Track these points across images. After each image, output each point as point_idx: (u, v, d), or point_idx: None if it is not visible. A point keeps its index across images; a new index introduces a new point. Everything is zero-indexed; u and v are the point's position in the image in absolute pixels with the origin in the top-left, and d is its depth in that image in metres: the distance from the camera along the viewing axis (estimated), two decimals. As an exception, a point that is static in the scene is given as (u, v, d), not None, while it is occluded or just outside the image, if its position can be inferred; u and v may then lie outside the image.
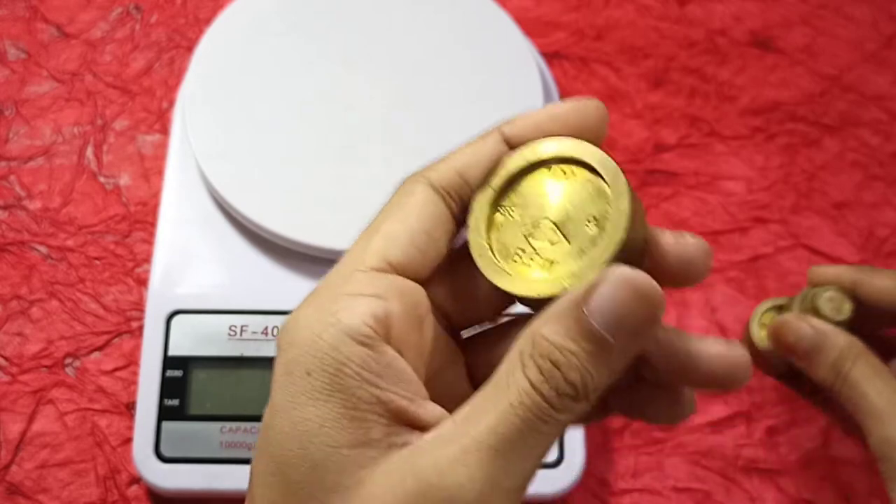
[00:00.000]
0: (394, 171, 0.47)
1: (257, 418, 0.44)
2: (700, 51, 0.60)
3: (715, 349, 0.26)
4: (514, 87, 0.50)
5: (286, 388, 0.24)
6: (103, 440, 0.47)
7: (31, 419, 0.47)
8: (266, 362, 0.45)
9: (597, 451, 0.47)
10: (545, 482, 0.44)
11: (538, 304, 0.24)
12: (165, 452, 0.43)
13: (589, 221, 0.24)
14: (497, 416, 0.23)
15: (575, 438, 0.45)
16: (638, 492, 0.47)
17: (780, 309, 0.49)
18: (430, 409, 0.24)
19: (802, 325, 0.43)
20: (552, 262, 0.24)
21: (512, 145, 0.26)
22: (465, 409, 0.24)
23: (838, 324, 0.43)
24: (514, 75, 0.51)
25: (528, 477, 0.23)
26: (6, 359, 0.48)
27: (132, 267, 0.51)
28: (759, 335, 0.49)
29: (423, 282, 0.26)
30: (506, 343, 0.27)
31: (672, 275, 0.26)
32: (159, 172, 0.53)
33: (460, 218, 0.27)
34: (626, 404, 0.28)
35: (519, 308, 0.26)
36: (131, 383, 0.48)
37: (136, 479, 0.46)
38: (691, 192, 0.55)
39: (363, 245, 0.25)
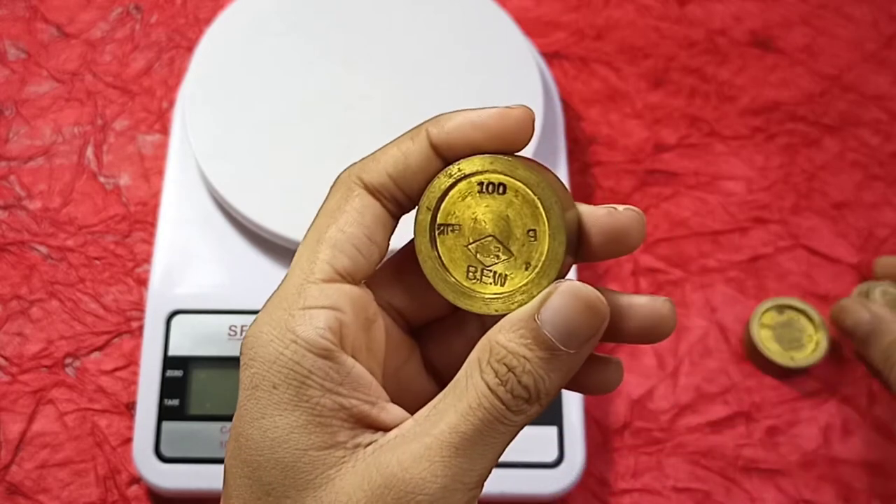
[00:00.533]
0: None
1: (257, 418, 0.44)
2: (700, 51, 0.60)
3: (640, 301, 0.27)
4: (514, 87, 0.50)
5: (254, 400, 0.25)
6: (103, 440, 0.47)
7: (31, 419, 0.47)
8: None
9: (597, 451, 0.47)
10: (545, 482, 0.44)
11: (496, 318, 0.25)
12: (165, 452, 0.43)
13: (528, 233, 0.25)
14: (457, 416, 0.25)
15: (575, 438, 0.45)
16: (638, 492, 0.47)
17: (780, 309, 0.49)
18: (392, 411, 0.26)
19: (860, 309, 0.45)
20: (504, 277, 0.26)
21: (436, 146, 0.27)
22: (426, 410, 0.25)
23: None
24: (514, 75, 0.51)
25: (484, 474, 0.25)
26: (6, 359, 0.48)
27: (132, 267, 0.51)
28: (759, 335, 0.49)
29: (370, 282, 0.28)
30: (460, 333, 0.30)
31: (610, 246, 0.27)
32: (159, 172, 0.53)
33: (396, 214, 0.28)
34: None
35: None
36: (131, 383, 0.48)
37: (136, 479, 0.46)
38: (691, 192, 0.55)
39: (310, 255, 0.26)
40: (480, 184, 0.25)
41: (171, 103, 0.55)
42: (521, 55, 0.52)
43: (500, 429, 0.25)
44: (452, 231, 0.26)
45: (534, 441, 0.44)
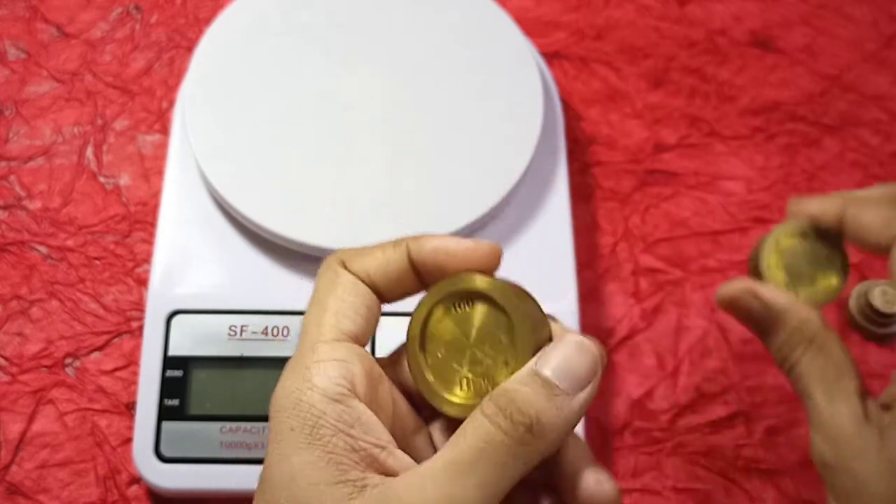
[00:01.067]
0: (394, 171, 0.48)
1: (257, 418, 0.44)
2: (700, 51, 0.60)
3: (588, 482, 0.29)
4: (514, 87, 0.50)
5: (275, 444, 0.27)
6: (103, 440, 0.47)
7: (31, 419, 0.47)
8: (266, 362, 0.45)
9: (597, 451, 0.47)
10: (545, 482, 0.44)
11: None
12: (165, 452, 0.43)
13: (503, 337, 0.29)
14: (452, 448, 0.26)
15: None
16: (638, 492, 0.47)
17: (806, 235, 0.36)
18: (400, 458, 0.28)
19: (749, 298, 0.34)
20: (489, 382, 0.29)
21: (413, 261, 0.30)
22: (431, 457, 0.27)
23: (890, 316, 0.38)
24: (514, 75, 0.51)
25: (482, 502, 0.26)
26: (6, 359, 0.48)
27: (132, 267, 0.51)
28: (769, 260, 0.36)
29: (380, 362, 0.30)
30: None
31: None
32: (159, 172, 0.53)
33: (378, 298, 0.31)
34: None
35: None
36: (131, 383, 0.48)
37: (136, 479, 0.46)
38: (691, 192, 0.55)
39: (317, 322, 0.29)
40: (455, 304, 0.29)
41: (171, 103, 0.55)
42: (521, 55, 0.52)
43: (500, 457, 0.26)
44: (436, 351, 0.29)
45: (534, 441, 0.44)
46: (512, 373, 0.28)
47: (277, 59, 0.50)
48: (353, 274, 0.30)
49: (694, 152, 0.56)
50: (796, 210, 0.35)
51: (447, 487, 0.26)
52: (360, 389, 0.28)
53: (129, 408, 0.47)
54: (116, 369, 0.48)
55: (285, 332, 0.45)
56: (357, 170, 0.48)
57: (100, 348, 0.49)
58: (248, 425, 0.44)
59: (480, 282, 0.29)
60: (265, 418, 0.44)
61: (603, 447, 0.48)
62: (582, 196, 0.54)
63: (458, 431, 0.27)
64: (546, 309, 0.31)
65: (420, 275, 0.31)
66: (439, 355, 0.29)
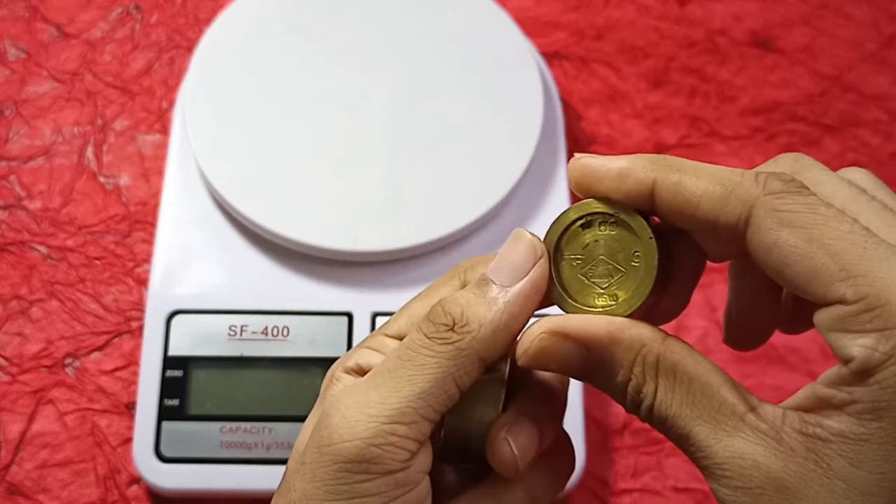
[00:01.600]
0: (394, 171, 0.48)
1: (257, 418, 0.44)
2: (700, 51, 0.60)
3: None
4: (514, 87, 0.50)
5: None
6: (103, 440, 0.47)
7: (31, 419, 0.47)
8: (266, 362, 0.45)
9: (597, 451, 0.47)
10: (545, 482, 0.44)
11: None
12: (165, 452, 0.43)
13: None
14: (381, 361, 0.27)
15: (575, 438, 0.44)
16: (638, 492, 0.47)
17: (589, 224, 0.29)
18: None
19: (562, 349, 0.26)
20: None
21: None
22: None
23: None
24: (514, 75, 0.51)
25: (401, 408, 0.25)
26: (6, 359, 0.48)
27: (132, 267, 0.51)
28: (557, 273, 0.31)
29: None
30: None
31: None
32: (159, 172, 0.53)
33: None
34: None
35: None
36: (131, 383, 0.48)
37: (136, 479, 0.46)
38: (691, 192, 0.55)
39: (393, 319, 0.31)
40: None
41: (171, 103, 0.55)
42: (521, 55, 0.52)
43: (419, 359, 0.26)
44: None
45: (534, 441, 0.44)
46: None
47: (277, 59, 0.50)
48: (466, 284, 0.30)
49: (694, 152, 0.56)
50: (584, 179, 0.27)
51: (362, 394, 0.26)
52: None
53: (129, 408, 0.47)
54: (116, 369, 0.48)
55: (285, 332, 0.45)
56: (357, 170, 0.48)
57: (100, 348, 0.49)
58: (248, 425, 0.44)
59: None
60: (265, 418, 0.44)
61: (603, 447, 0.48)
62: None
63: None
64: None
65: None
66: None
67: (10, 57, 0.57)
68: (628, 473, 0.47)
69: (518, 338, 0.27)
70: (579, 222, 0.28)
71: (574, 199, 0.51)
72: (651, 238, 0.27)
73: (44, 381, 0.48)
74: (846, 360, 0.22)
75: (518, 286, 0.26)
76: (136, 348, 0.48)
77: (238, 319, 0.46)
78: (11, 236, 0.52)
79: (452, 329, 0.26)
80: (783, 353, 0.50)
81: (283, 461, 0.43)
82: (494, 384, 0.28)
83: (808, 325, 0.27)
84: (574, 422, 0.45)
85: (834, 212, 0.23)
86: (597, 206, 0.27)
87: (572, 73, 0.59)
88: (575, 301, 0.28)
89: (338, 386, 0.28)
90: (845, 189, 0.25)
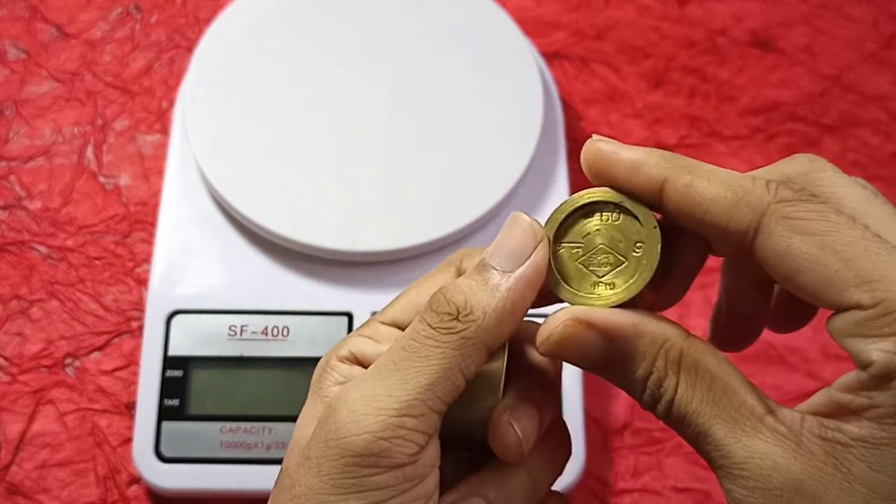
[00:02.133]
0: (394, 171, 0.48)
1: (257, 418, 0.44)
2: (700, 51, 0.60)
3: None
4: (514, 87, 0.50)
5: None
6: (103, 440, 0.47)
7: (31, 419, 0.47)
8: (266, 362, 0.45)
9: (597, 451, 0.47)
10: (545, 482, 0.44)
11: None
12: (165, 452, 0.43)
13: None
14: (385, 352, 0.26)
15: (575, 438, 0.44)
16: (638, 492, 0.47)
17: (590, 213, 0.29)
18: None
19: (584, 337, 0.26)
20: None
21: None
22: None
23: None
24: (514, 75, 0.51)
25: (410, 400, 0.25)
26: (6, 359, 0.48)
27: (132, 267, 0.51)
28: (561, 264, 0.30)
29: None
30: None
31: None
32: (159, 172, 0.53)
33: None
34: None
35: None
36: (131, 383, 0.48)
37: (136, 479, 0.46)
38: (691, 192, 0.55)
39: (388, 306, 0.30)
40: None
41: (171, 103, 0.55)
42: (521, 55, 0.52)
43: (424, 350, 0.25)
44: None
45: (534, 441, 0.44)
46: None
47: (277, 59, 0.50)
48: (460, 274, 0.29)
49: (694, 152, 0.56)
50: (597, 165, 0.28)
51: (369, 387, 0.25)
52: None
53: (129, 408, 0.47)
54: (116, 369, 0.48)
55: (285, 332, 0.45)
56: (357, 170, 0.48)
57: (100, 348, 0.49)
58: (248, 425, 0.44)
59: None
60: (265, 418, 0.44)
61: (603, 447, 0.48)
62: (582, 196, 0.54)
63: None
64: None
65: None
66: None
67: (10, 57, 0.57)
68: (628, 473, 0.47)
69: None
70: (581, 210, 0.28)
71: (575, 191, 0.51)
72: (656, 227, 0.27)
73: (44, 381, 0.48)
74: (865, 365, 0.22)
75: (520, 271, 0.26)
76: (136, 348, 0.48)
77: (238, 319, 0.46)
78: (11, 236, 0.52)
79: (457, 318, 0.26)
80: (783, 353, 0.50)
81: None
82: (494, 370, 0.28)
83: (799, 324, 0.28)
84: (574, 422, 0.45)
85: (845, 219, 0.23)
86: (601, 195, 0.28)
87: (572, 73, 0.59)
88: (571, 288, 0.28)
89: (332, 375, 0.28)
90: (859, 191, 0.25)
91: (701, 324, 0.51)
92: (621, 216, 0.27)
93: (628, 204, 0.27)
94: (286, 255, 0.47)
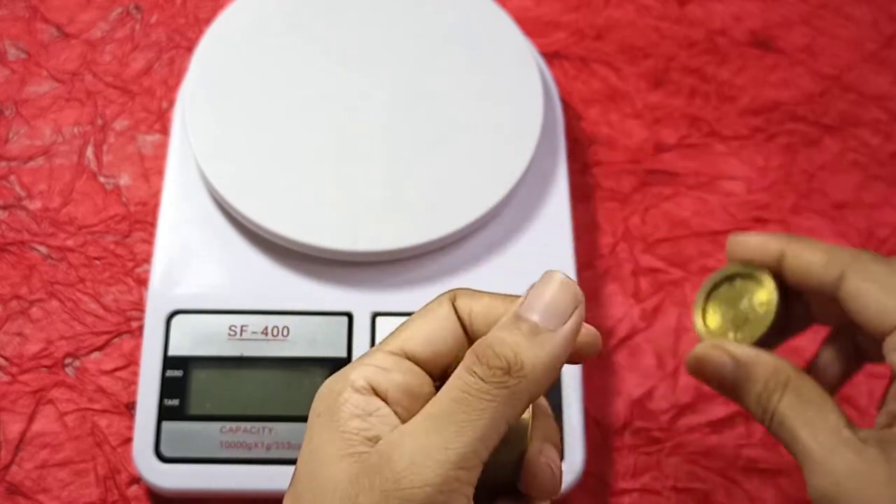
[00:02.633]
0: (394, 171, 0.48)
1: (257, 418, 0.44)
2: (700, 51, 0.60)
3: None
4: (514, 87, 0.50)
5: (307, 430, 0.29)
6: (103, 440, 0.47)
7: (31, 419, 0.47)
8: (266, 362, 0.45)
9: (597, 451, 0.47)
10: (545, 482, 0.44)
11: None
12: (165, 452, 0.43)
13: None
14: (433, 403, 0.27)
15: (575, 438, 0.45)
16: (638, 492, 0.47)
17: (730, 280, 0.39)
18: None
19: (720, 355, 0.36)
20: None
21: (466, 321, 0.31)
22: None
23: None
24: (514, 75, 0.51)
25: (466, 453, 0.26)
26: (6, 359, 0.48)
27: (132, 267, 0.51)
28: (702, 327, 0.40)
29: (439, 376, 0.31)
30: None
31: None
32: (159, 172, 0.53)
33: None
34: None
35: None
36: (131, 383, 0.48)
37: (136, 479, 0.46)
38: (691, 192, 0.55)
39: (391, 337, 0.31)
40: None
41: (171, 103, 0.55)
42: (521, 55, 0.52)
43: (477, 404, 0.26)
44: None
45: (534, 441, 0.44)
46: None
47: (277, 59, 0.50)
48: (456, 310, 0.31)
49: (694, 152, 0.56)
50: (735, 248, 0.38)
51: (424, 438, 0.26)
52: (392, 395, 0.29)
53: (129, 408, 0.47)
54: (116, 369, 0.48)
55: (285, 332, 0.45)
56: (357, 170, 0.48)
57: (100, 348, 0.49)
58: (248, 425, 0.44)
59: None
60: (265, 418, 0.44)
61: (603, 447, 0.48)
62: (582, 196, 0.54)
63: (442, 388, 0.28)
64: None
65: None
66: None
67: (10, 57, 0.57)
68: (628, 473, 0.47)
69: None
70: (726, 279, 0.38)
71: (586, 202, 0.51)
72: (775, 291, 0.37)
73: (44, 381, 0.48)
74: None
75: (565, 328, 0.28)
76: (136, 348, 0.48)
77: (238, 319, 0.46)
78: (11, 236, 0.52)
79: (509, 373, 0.27)
80: (782, 353, 0.50)
81: (283, 461, 0.43)
82: (524, 416, 0.29)
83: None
84: (574, 422, 0.45)
85: None
86: (739, 269, 0.38)
87: (572, 73, 0.59)
88: (711, 330, 0.38)
89: (347, 407, 0.28)
90: None
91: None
92: (751, 283, 0.38)
93: (757, 273, 0.37)
94: (286, 255, 0.47)
